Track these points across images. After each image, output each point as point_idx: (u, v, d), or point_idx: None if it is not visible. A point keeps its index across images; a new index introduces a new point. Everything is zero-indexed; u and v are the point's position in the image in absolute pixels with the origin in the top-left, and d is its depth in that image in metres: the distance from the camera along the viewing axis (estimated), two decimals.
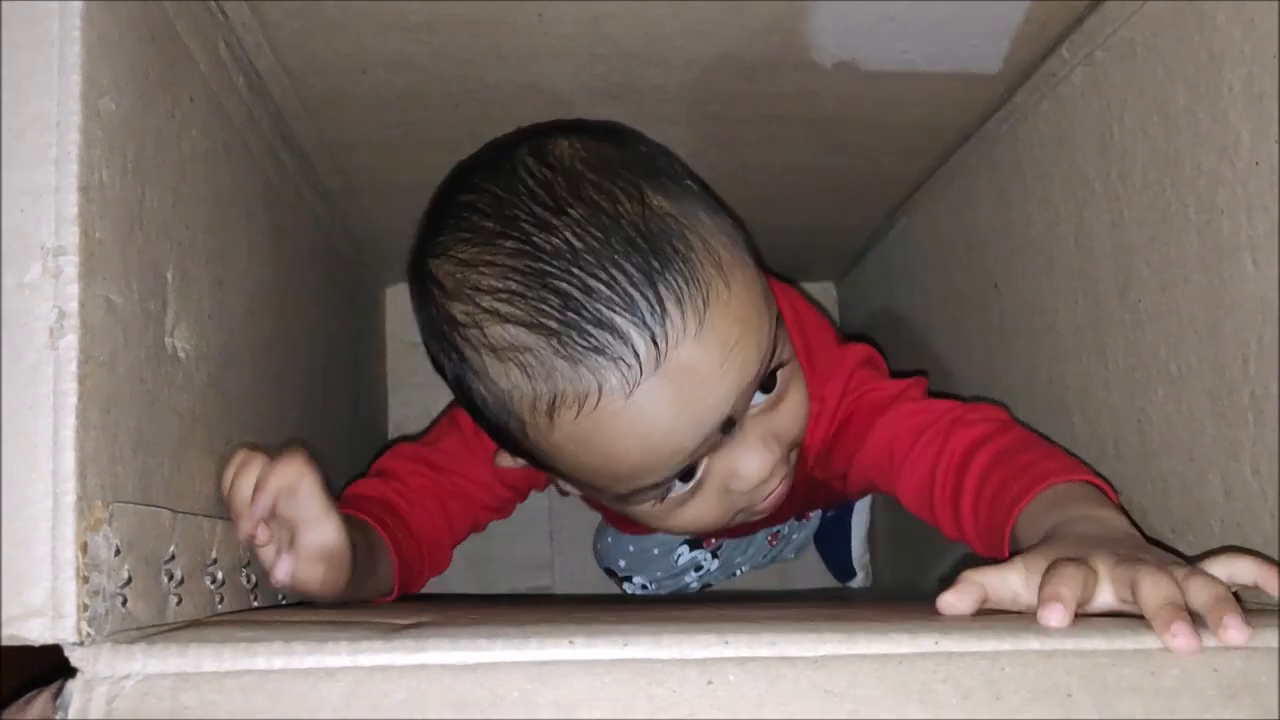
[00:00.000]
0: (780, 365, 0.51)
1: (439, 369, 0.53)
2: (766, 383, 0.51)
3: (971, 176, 0.68)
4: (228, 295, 0.48)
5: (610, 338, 0.45)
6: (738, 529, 0.72)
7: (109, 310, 0.33)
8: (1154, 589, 0.34)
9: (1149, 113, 0.48)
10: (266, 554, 0.46)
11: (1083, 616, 0.35)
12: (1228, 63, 0.43)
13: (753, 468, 0.50)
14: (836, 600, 0.67)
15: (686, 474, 0.50)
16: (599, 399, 0.46)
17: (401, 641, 0.31)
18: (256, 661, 0.30)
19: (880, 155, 0.69)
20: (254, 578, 0.48)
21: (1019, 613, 0.38)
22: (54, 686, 0.31)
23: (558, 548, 0.96)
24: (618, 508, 0.54)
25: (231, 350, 0.48)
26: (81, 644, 0.30)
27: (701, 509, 0.52)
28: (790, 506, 0.63)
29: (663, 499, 0.51)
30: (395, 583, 0.57)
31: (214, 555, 0.42)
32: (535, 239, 0.46)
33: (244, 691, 0.29)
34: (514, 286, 0.46)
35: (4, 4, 0.32)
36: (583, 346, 0.45)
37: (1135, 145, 0.50)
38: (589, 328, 0.45)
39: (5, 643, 0.29)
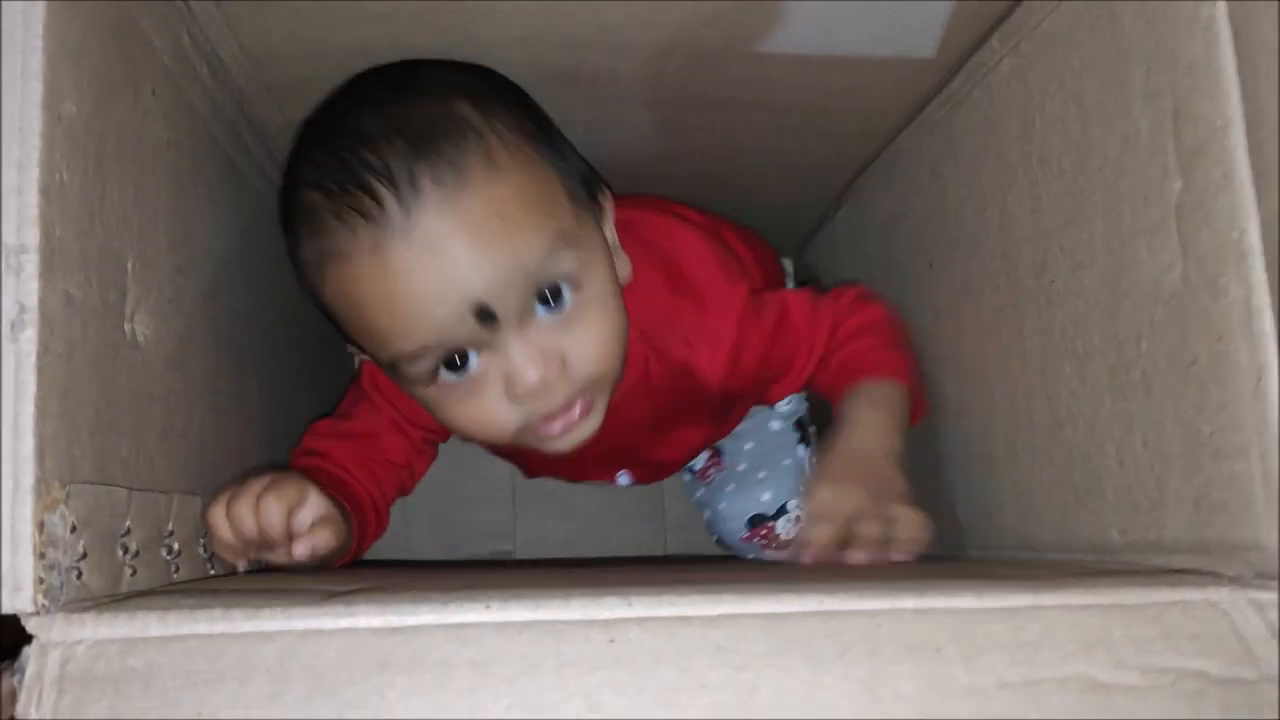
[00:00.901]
0: (567, 283, 0.54)
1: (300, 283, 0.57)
2: (551, 296, 0.53)
3: (911, 160, 0.70)
4: (188, 279, 0.50)
5: (366, 199, 0.50)
6: (642, 473, 0.79)
7: (68, 303, 0.36)
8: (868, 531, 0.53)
9: (1066, 103, 0.51)
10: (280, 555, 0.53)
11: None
12: (1133, 59, 0.45)
13: (519, 371, 0.53)
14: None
15: (452, 363, 0.53)
16: (352, 254, 0.51)
17: (331, 607, 0.34)
18: (198, 626, 0.33)
19: (827, 139, 0.71)
20: (208, 545, 0.51)
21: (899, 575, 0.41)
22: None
23: (520, 514, 0.99)
24: (403, 388, 0.58)
25: (191, 331, 0.50)
26: (37, 614, 0.33)
27: (481, 407, 0.55)
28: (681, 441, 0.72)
29: (431, 381, 0.54)
30: (355, 541, 0.61)
31: (170, 528, 0.45)
32: (343, 121, 0.53)
33: (186, 654, 0.32)
34: (316, 157, 0.53)
35: None
36: (346, 205, 0.51)
37: (1054, 134, 0.52)
38: (352, 189, 0.51)
39: None
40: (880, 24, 0.56)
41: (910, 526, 0.56)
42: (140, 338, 0.44)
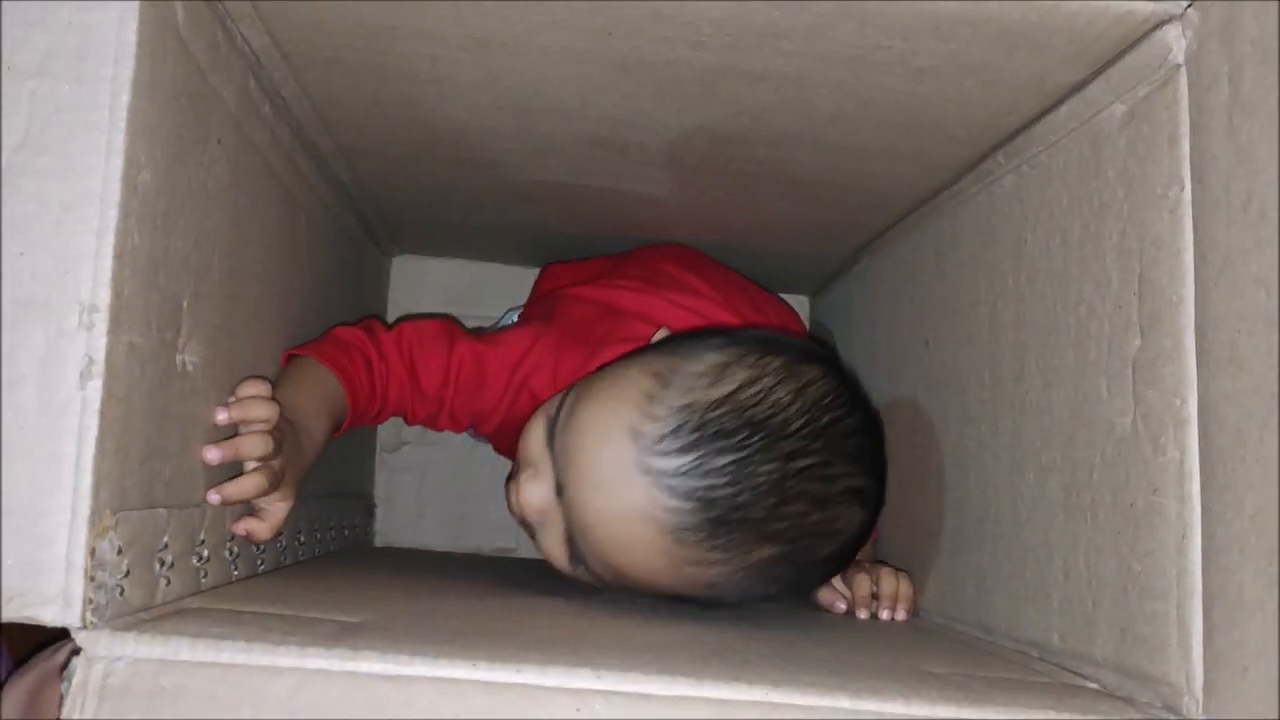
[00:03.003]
0: (583, 563, 0.61)
1: None
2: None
3: (920, 238, 0.74)
4: (237, 304, 0.55)
5: (685, 440, 0.56)
6: None
7: (130, 352, 0.41)
8: (858, 586, 0.68)
9: (1053, 233, 0.55)
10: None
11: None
12: (1110, 215, 0.49)
13: (520, 496, 0.63)
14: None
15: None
16: (641, 400, 0.57)
17: (339, 650, 0.39)
18: (222, 655, 0.38)
19: (840, 209, 0.75)
20: (236, 549, 0.56)
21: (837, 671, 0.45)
22: (57, 655, 0.39)
23: None
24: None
25: (236, 353, 0.55)
26: (85, 628, 0.38)
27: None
28: None
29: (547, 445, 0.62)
30: (348, 415, 0.66)
31: (202, 536, 0.50)
32: (790, 435, 0.57)
33: (210, 680, 0.37)
34: (759, 403, 0.57)
35: (63, 89, 0.39)
36: (692, 417, 0.56)
37: (1041, 258, 0.56)
38: (701, 432, 0.56)
39: (24, 621, 0.37)
40: (893, 133, 0.60)
41: (903, 585, 0.69)
42: (189, 366, 0.48)
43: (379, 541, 1.01)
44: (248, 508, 0.56)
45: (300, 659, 0.38)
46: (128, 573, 0.41)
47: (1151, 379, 0.45)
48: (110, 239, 0.39)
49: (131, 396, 0.41)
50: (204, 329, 0.50)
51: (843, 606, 0.69)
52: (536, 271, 0.94)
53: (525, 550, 1.04)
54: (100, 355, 0.39)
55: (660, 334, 0.68)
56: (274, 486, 0.55)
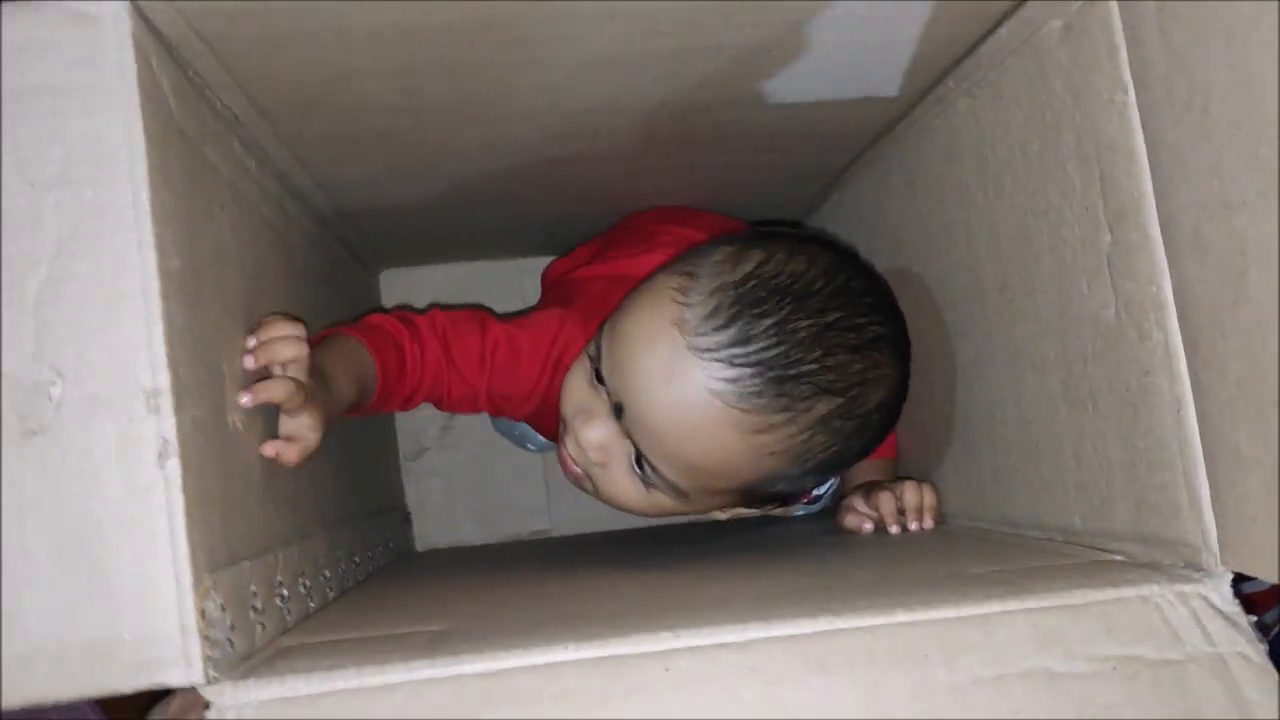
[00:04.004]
0: (654, 471, 0.65)
1: None
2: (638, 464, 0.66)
3: (884, 169, 0.77)
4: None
5: (725, 316, 0.61)
6: None
7: (195, 426, 0.44)
8: (884, 503, 0.71)
9: (1013, 148, 0.58)
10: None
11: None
12: (1064, 124, 0.52)
13: (582, 438, 0.67)
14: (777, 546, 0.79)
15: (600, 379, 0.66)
16: (673, 296, 0.62)
17: (440, 658, 0.42)
18: (336, 684, 0.41)
19: (805, 154, 0.78)
20: (307, 583, 0.59)
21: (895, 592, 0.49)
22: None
23: (553, 493, 1.08)
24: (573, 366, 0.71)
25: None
26: (209, 684, 0.41)
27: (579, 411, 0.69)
28: None
29: (592, 380, 0.67)
30: (377, 386, 0.67)
31: (279, 578, 0.54)
32: (815, 294, 0.63)
33: (331, 708, 0.41)
34: (779, 273, 0.63)
35: (85, 195, 0.42)
36: (724, 297, 0.61)
37: (1004, 173, 0.59)
38: (737, 307, 0.61)
39: (155, 688, 0.41)
40: (847, 74, 0.63)
41: (926, 495, 0.72)
42: (239, 424, 0.51)
43: (420, 546, 1.05)
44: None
45: (407, 673, 0.42)
46: (232, 625, 0.44)
47: (1126, 271, 0.48)
48: (159, 327, 0.41)
49: (202, 465, 0.44)
50: (241, 386, 0.53)
51: (870, 527, 0.73)
52: (523, 262, 0.97)
53: (559, 529, 1.08)
54: (171, 434, 0.41)
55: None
56: (302, 401, 0.54)
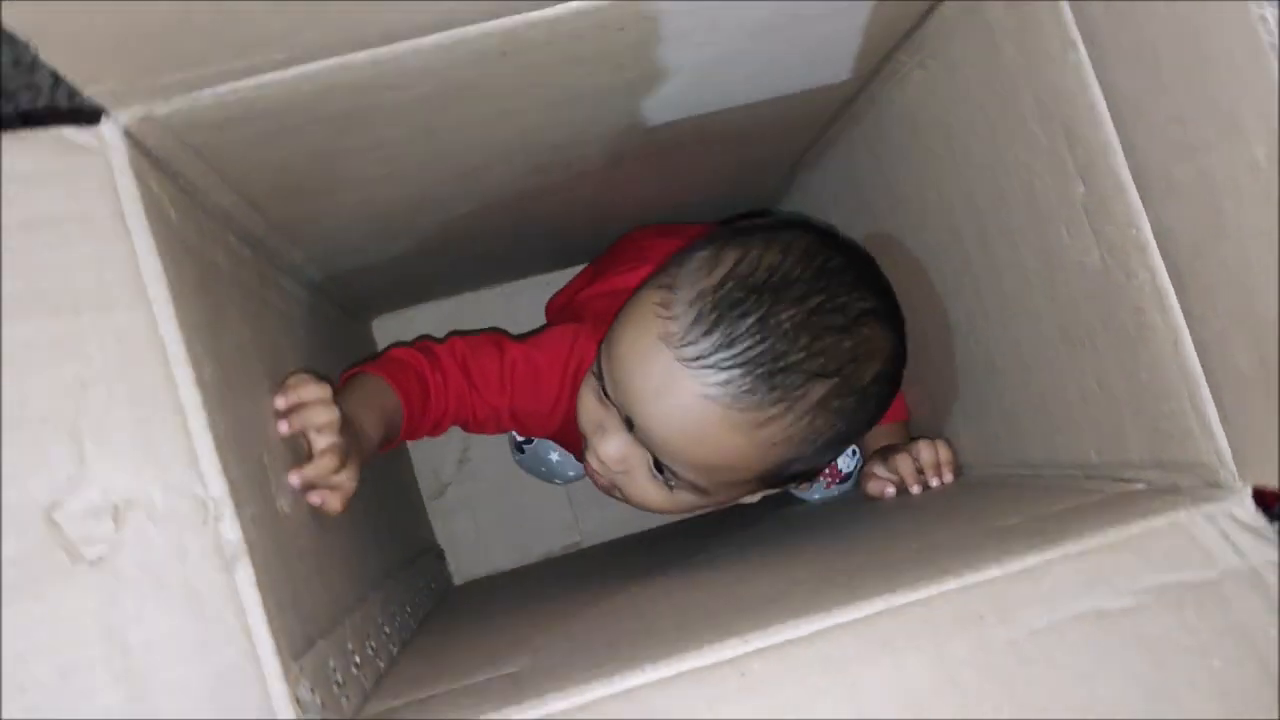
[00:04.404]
0: (673, 474, 0.67)
1: None
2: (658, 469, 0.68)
3: (850, 146, 0.79)
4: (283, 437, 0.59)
5: (705, 340, 0.62)
6: None
7: (254, 523, 0.45)
8: (902, 465, 0.73)
9: (974, 112, 0.60)
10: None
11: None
12: (1021, 85, 0.54)
13: (601, 453, 0.69)
14: (800, 530, 0.81)
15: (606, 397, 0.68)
16: (656, 312, 0.64)
17: (528, 700, 0.44)
18: None
19: (771, 142, 0.80)
20: (373, 645, 0.61)
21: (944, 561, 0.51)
22: None
23: (577, 506, 1.10)
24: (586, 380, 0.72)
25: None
26: None
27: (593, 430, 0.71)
28: None
29: (601, 399, 0.69)
30: (403, 419, 0.70)
31: (350, 646, 0.55)
32: (776, 294, 0.63)
33: None
34: (755, 269, 0.64)
35: (120, 317, 0.43)
36: (703, 304, 0.63)
37: (970, 136, 0.61)
38: (718, 312, 0.63)
39: None
40: (800, 69, 0.64)
41: (941, 451, 0.74)
42: (286, 508, 0.53)
43: (458, 580, 1.07)
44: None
45: (505, 715, 0.44)
46: (322, 704, 0.46)
47: (1104, 217, 0.50)
48: (207, 438, 0.43)
49: (268, 560, 0.46)
50: (280, 470, 0.54)
51: (891, 491, 0.75)
52: (508, 287, 0.99)
53: (589, 540, 1.10)
54: (237, 537, 0.43)
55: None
56: (343, 464, 0.56)
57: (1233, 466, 0.48)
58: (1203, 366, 0.48)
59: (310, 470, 0.54)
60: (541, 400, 0.76)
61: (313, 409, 0.56)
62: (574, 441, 0.77)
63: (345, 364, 0.91)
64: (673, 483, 0.68)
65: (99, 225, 0.42)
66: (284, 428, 0.55)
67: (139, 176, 0.43)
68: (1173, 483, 0.52)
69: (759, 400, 0.62)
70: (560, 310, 0.91)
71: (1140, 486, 0.54)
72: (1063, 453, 0.63)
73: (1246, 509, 0.48)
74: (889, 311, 0.68)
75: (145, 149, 0.44)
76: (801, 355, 0.62)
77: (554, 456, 1.04)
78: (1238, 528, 0.47)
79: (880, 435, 0.80)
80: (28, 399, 0.41)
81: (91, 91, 0.39)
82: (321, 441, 0.55)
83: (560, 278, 1.01)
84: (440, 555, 1.06)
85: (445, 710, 0.46)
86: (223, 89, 0.42)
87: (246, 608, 0.43)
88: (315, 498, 0.55)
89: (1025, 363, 0.64)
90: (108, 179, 0.42)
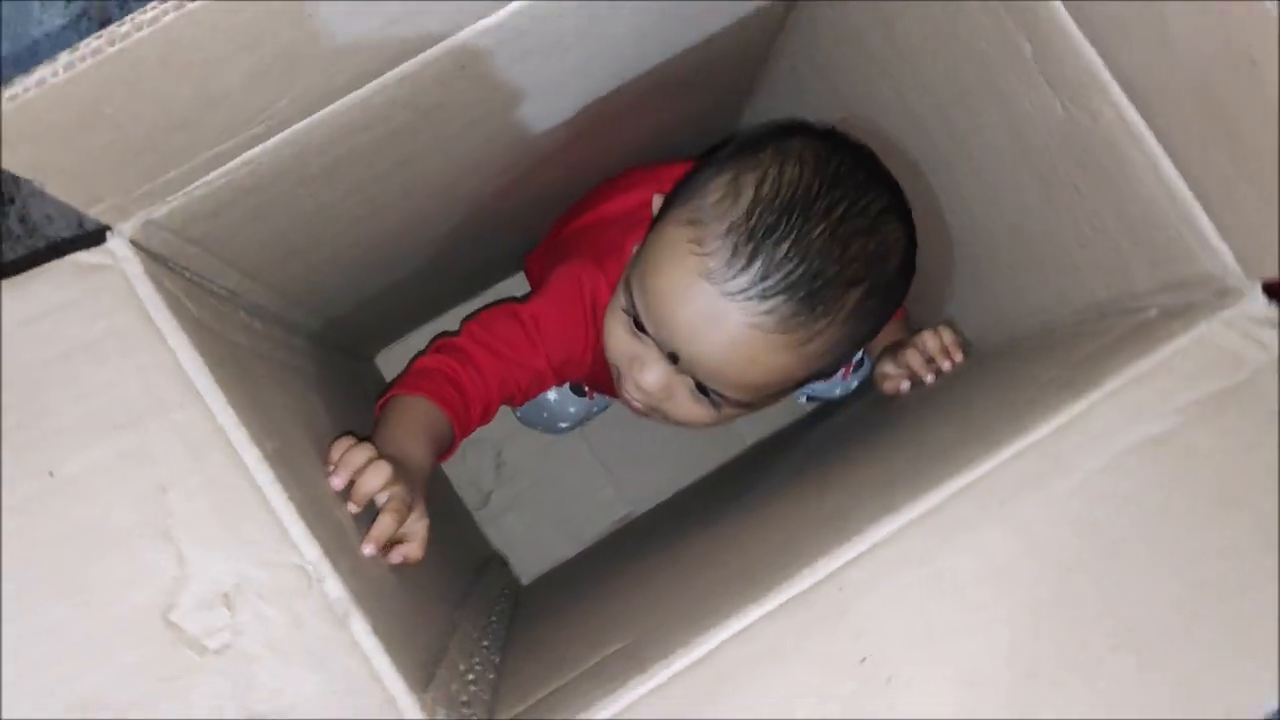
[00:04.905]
0: (721, 396, 0.69)
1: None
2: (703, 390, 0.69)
3: (794, 58, 0.80)
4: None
5: (742, 265, 0.63)
6: None
7: (353, 573, 0.47)
8: (911, 358, 0.74)
9: (908, 12, 0.61)
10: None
11: None
12: None
13: (642, 384, 0.71)
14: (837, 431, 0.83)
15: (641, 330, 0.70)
16: (697, 262, 0.64)
17: (652, 666, 0.46)
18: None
19: (719, 77, 0.81)
20: (479, 662, 0.63)
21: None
22: None
23: (617, 479, 1.12)
24: (611, 311, 0.73)
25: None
26: None
27: (630, 356, 0.72)
28: None
29: (630, 328, 0.71)
30: (454, 442, 0.72)
31: (461, 667, 0.57)
32: (801, 210, 0.64)
33: None
34: (779, 190, 0.65)
35: (178, 415, 0.45)
36: (729, 244, 0.64)
37: (912, 33, 0.63)
38: (746, 251, 0.63)
39: None
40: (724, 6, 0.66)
41: (944, 335, 0.75)
42: (367, 549, 0.55)
43: (525, 581, 1.09)
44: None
45: (633, 691, 0.45)
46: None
47: (1056, 68, 0.52)
48: (289, 508, 0.45)
49: (373, 606, 0.48)
50: (355, 522, 0.56)
51: (906, 385, 0.76)
52: (503, 284, 1.00)
53: (639, 508, 1.12)
54: (342, 593, 0.45)
55: (656, 201, 0.73)
56: (407, 513, 0.58)
57: (1237, 269, 0.50)
58: (1188, 184, 0.50)
59: (377, 533, 0.55)
60: (574, 344, 0.78)
61: (365, 476, 0.57)
62: (604, 376, 0.78)
63: (362, 405, 0.93)
64: (718, 402, 0.70)
65: (132, 336, 0.43)
66: (352, 508, 0.55)
67: (154, 280, 0.45)
68: (1185, 301, 0.54)
69: (804, 320, 0.64)
70: (545, 256, 0.90)
71: (1154, 313, 0.56)
72: (1070, 300, 0.65)
73: (1261, 305, 0.50)
74: (899, 202, 0.70)
75: (152, 253, 0.46)
76: (837, 268, 0.64)
77: (551, 396, 1.04)
78: (1257, 325, 0.49)
79: (883, 334, 0.82)
80: (114, 515, 0.42)
81: (95, 212, 0.40)
82: (382, 499, 0.57)
83: None
84: (504, 561, 1.08)
85: (576, 699, 0.48)
86: (212, 176, 0.43)
87: (369, 655, 0.45)
88: (395, 556, 0.57)
89: (1014, 224, 0.66)
90: (127, 290, 0.44)
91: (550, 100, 0.61)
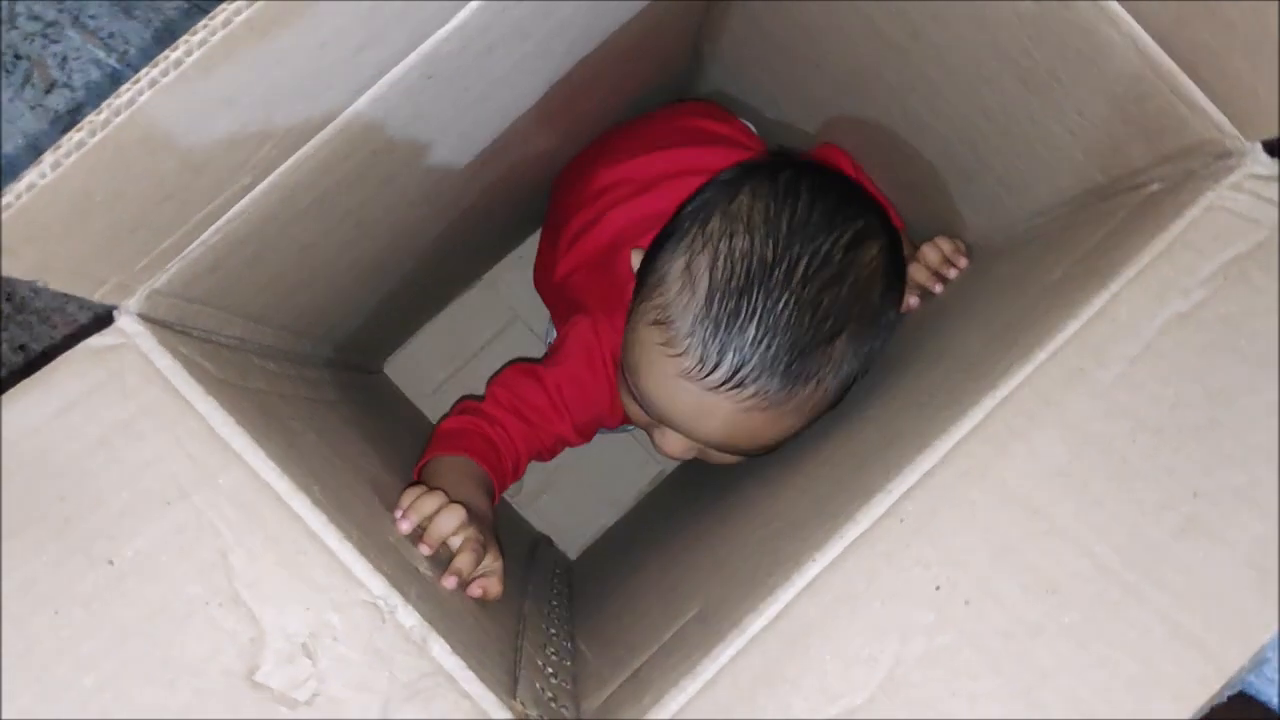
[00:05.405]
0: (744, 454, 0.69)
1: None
2: None
3: (736, 26, 0.79)
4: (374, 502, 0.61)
5: (713, 359, 0.62)
6: None
7: (421, 599, 0.47)
8: (916, 274, 0.73)
9: None
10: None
11: None
12: None
13: (667, 451, 0.70)
14: None
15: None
16: (671, 354, 0.63)
17: (728, 633, 0.46)
18: (678, 702, 0.46)
19: (663, 46, 0.80)
20: (554, 652, 0.64)
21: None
22: None
23: (640, 437, 1.12)
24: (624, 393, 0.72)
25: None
26: None
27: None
28: None
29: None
30: (494, 482, 0.72)
31: (539, 662, 0.58)
32: (768, 279, 0.62)
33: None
34: (733, 269, 0.62)
35: (218, 483, 0.45)
36: (702, 334, 0.62)
37: None
38: (715, 344, 0.62)
39: None
40: None
41: (943, 245, 0.75)
42: (429, 574, 0.55)
43: (573, 556, 1.10)
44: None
45: (718, 658, 0.46)
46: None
47: None
48: (348, 547, 0.45)
49: (447, 625, 0.48)
50: (406, 544, 0.56)
51: (916, 300, 0.75)
52: (489, 275, 0.99)
53: (669, 464, 1.12)
54: (416, 619, 0.45)
55: (635, 259, 0.72)
56: (485, 552, 0.59)
57: (1234, 131, 0.50)
58: (1170, 55, 0.49)
59: (457, 567, 0.56)
60: (598, 405, 0.78)
61: (438, 520, 0.58)
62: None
63: (384, 418, 0.93)
64: (746, 453, 0.69)
65: (162, 411, 0.43)
66: (425, 550, 0.56)
67: (169, 349, 0.44)
68: (1185, 169, 0.54)
69: (794, 389, 0.63)
70: (553, 293, 0.90)
71: (1156, 187, 0.56)
72: (1071, 186, 0.64)
73: (1264, 163, 0.49)
74: (867, 215, 0.66)
75: (160, 321, 0.45)
76: (812, 333, 0.62)
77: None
78: (1264, 183, 0.49)
79: None
80: (182, 590, 0.43)
81: (99, 296, 0.40)
82: (457, 541, 0.58)
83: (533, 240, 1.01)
84: (549, 542, 1.09)
85: (662, 676, 0.48)
86: (206, 235, 0.43)
87: (454, 674, 0.45)
88: (476, 590, 0.57)
89: (1003, 126, 0.65)
90: (146, 365, 0.43)
91: (516, 89, 0.60)
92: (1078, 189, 0.63)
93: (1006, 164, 0.68)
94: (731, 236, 0.63)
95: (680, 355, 0.63)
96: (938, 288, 0.75)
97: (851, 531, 0.47)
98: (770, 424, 0.65)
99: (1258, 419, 0.45)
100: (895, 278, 0.67)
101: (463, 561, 0.56)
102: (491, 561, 0.60)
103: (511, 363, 0.82)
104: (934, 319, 0.73)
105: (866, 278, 0.64)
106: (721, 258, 0.62)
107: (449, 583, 0.55)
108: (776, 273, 0.61)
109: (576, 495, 1.12)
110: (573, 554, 1.10)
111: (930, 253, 0.76)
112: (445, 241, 0.79)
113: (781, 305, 0.61)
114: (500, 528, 0.96)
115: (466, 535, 0.58)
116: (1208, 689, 0.41)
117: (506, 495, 1.11)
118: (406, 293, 0.86)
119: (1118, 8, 0.49)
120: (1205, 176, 0.51)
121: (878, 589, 0.45)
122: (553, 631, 0.68)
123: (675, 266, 0.64)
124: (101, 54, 1.00)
